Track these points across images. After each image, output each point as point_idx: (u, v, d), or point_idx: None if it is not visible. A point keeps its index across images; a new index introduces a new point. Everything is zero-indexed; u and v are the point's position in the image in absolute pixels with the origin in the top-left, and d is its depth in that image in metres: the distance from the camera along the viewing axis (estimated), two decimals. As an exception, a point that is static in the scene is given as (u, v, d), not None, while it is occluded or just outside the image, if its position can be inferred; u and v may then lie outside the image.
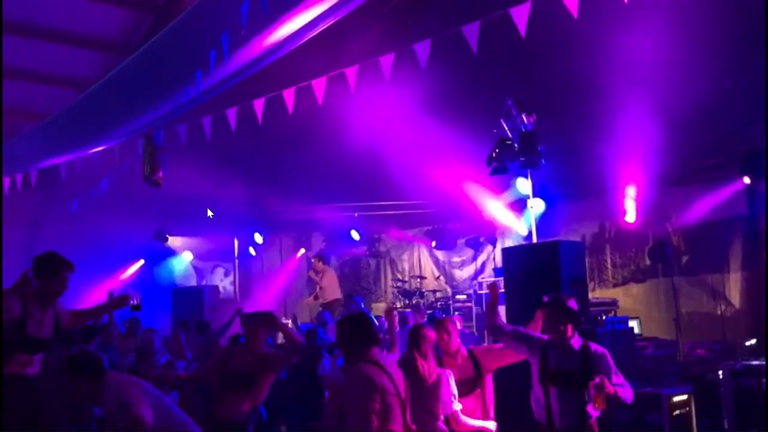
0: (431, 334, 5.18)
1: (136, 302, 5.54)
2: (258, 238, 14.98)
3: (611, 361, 4.78)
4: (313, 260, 13.67)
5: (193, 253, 15.55)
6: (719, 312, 10.12)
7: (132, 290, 5.91)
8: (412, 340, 5.09)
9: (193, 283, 15.42)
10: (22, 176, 9.51)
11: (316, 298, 13.37)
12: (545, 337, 5.03)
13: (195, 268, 15.76)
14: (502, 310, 9.42)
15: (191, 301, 12.82)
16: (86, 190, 10.53)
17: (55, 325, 5.25)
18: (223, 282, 15.88)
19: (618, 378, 4.72)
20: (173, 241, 14.63)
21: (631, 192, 10.56)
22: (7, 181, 9.53)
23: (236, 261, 15.40)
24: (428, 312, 10.93)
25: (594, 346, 4.85)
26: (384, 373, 4.06)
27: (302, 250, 16.62)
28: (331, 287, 13.05)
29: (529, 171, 8.87)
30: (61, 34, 10.62)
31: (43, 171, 9.76)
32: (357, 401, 3.96)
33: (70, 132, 8.59)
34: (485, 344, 7.14)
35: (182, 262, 15.38)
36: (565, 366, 4.80)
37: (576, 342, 4.88)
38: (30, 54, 10.73)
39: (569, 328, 4.85)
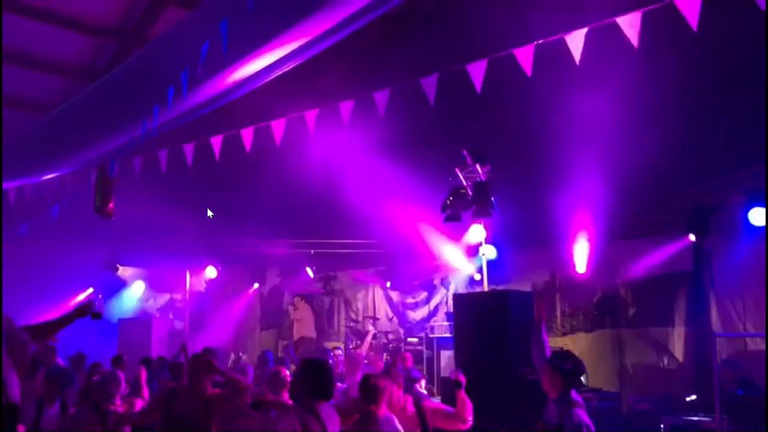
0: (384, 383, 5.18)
1: (100, 310, 4.95)
2: (211, 271, 14.83)
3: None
4: (294, 298, 13.81)
5: (144, 284, 15.31)
6: (662, 365, 10.31)
7: (93, 297, 5.32)
8: (367, 394, 5.06)
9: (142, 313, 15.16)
10: (-30, 199, 9.31)
11: (286, 338, 13.57)
12: None
13: (145, 298, 15.51)
14: (449, 355, 9.47)
15: (139, 332, 12.60)
16: (36, 214, 10.34)
17: None
18: (173, 315, 15.65)
19: None
20: (124, 271, 14.41)
21: (581, 243, 10.78)
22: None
23: (187, 293, 15.20)
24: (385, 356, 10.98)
25: (575, 416, 4.68)
26: (317, 422, 4.10)
27: (256, 285, 16.49)
28: (305, 322, 13.33)
29: (482, 219, 9.00)
30: (24, 56, 10.50)
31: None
32: None
33: (23, 157, 8.47)
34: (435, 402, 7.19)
35: (133, 292, 15.13)
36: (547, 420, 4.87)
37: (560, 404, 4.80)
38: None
39: (558, 388, 4.84)
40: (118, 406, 6.16)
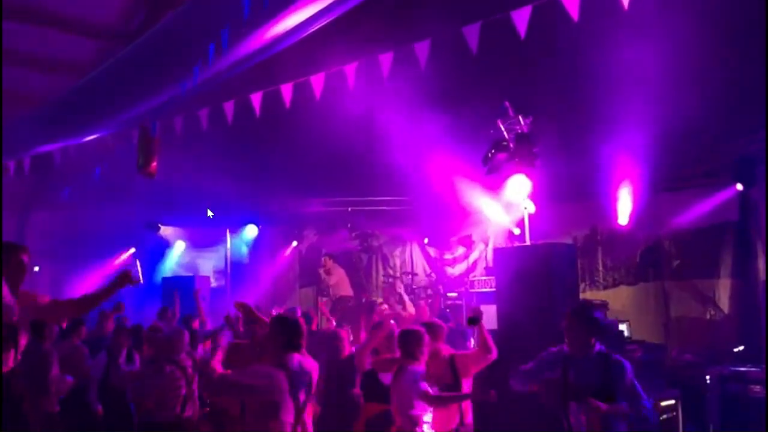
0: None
1: (138, 277, 4.94)
2: (251, 229, 14.97)
3: (629, 375, 4.53)
4: (323, 258, 13.86)
5: (185, 243, 15.53)
6: (708, 317, 10.20)
7: (130, 264, 5.27)
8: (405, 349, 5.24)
9: (184, 273, 15.40)
10: (15, 162, 9.46)
11: (326, 295, 13.61)
12: (558, 349, 4.83)
13: (187, 258, 15.74)
14: (490, 309, 9.47)
15: (182, 291, 12.80)
16: (78, 177, 10.49)
17: None
18: (215, 273, 15.87)
19: (636, 398, 4.47)
20: (165, 231, 14.60)
21: (624, 195, 10.61)
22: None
23: (228, 252, 15.38)
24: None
25: (615, 357, 4.59)
26: (286, 375, 4.45)
27: (294, 243, 16.61)
28: (341, 284, 13.30)
29: (523, 172, 8.88)
30: (58, 18, 10.53)
31: (36, 157, 9.70)
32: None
33: (65, 119, 8.56)
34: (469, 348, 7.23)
35: (174, 251, 15.36)
36: (585, 381, 4.52)
37: (596, 353, 4.61)
38: (26, 38, 10.64)
39: (592, 341, 4.61)
40: (183, 359, 6.33)
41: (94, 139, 8.52)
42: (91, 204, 12.31)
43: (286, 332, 4.64)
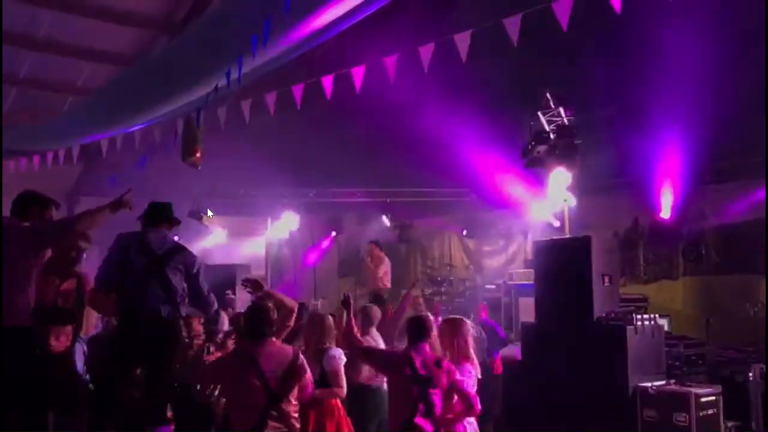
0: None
1: (131, 203, 5.19)
2: (291, 218, 15.12)
3: None
4: (369, 245, 13.09)
5: (226, 232, 15.75)
6: (752, 313, 10.00)
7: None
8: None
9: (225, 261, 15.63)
10: (64, 151, 9.71)
11: (366, 285, 13.09)
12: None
13: (227, 246, 15.96)
14: (528, 302, 9.44)
15: (222, 279, 12.99)
16: (124, 166, 10.72)
17: None
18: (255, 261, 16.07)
19: None
20: (207, 220, 14.83)
21: (666, 188, 10.46)
22: (49, 156, 9.75)
23: (268, 241, 15.57)
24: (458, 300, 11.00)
25: None
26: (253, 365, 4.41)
27: (333, 233, 16.75)
28: (387, 276, 12.66)
29: (564, 164, 8.82)
30: (104, 10, 10.76)
31: (84, 146, 9.96)
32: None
33: (111, 109, 8.75)
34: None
35: (214, 240, 15.59)
36: None
37: None
38: (72, 29, 10.90)
39: None
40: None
41: (139, 129, 8.70)
42: (136, 192, 12.54)
43: (249, 320, 4.69)
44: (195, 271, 5.17)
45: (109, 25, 11.02)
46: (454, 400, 5.04)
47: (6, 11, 9.03)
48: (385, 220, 15.14)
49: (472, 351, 5.41)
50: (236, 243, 16.04)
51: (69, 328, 5.34)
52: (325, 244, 16.71)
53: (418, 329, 5.12)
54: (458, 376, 5.03)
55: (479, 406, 4.99)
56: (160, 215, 5.44)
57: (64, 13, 10.54)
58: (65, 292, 5.59)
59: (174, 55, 7.08)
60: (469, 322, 5.79)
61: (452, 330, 5.46)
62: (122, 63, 10.68)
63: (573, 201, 9.66)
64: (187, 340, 5.87)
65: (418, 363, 4.87)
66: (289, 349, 4.71)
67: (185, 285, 5.07)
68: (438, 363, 4.97)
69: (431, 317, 5.59)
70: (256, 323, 4.62)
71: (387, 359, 5.32)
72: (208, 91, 6.80)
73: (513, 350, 8.46)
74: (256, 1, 5.81)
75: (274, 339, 4.66)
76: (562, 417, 6.83)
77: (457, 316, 5.88)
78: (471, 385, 5.15)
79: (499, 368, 8.14)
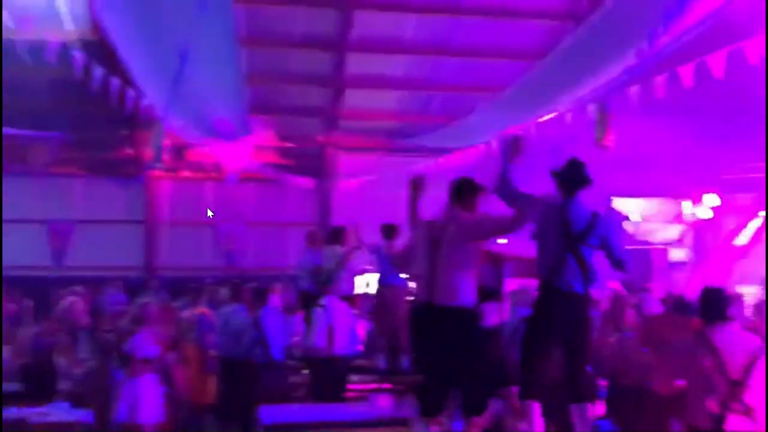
0: None
1: None
2: (711, 199, 14.09)
3: None
4: None
5: (640, 214, 15.30)
6: None
7: None
8: None
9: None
10: (485, 146, 10.40)
11: None
12: None
13: (641, 229, 15.49)
14: None
15: (638, 262, 12.69)
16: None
17: None
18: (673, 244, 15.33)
19: None
20: (621, 203, 14.57)
21: None
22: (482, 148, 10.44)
23: (691, 222, 14.69)
24: None
25: None
26: None
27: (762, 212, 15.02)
28: None
29: None
30: (510, 10, 11.39)
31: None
32: None
33: (523, 102, 9.23)
34: None
35: (628, 224, 15.24)
36: None
37: None
38: (477, 31, 11.74)
39: None
40: None
41: (551, 118, 8.99)
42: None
43: None
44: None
45: (510, 22, 11.62)
46: None
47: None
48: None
49: None
50: (651, 225, 15.46)
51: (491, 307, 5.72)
52: (757, 226, 15.09)
53: None
54: None
55: None
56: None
57: (479, 18, 11.45)
58: None
59: (584, 43, 7.18)
60: None
61: None
62: (529, 58, 11.14)
63: None
64: None
65: None
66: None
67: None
68: None
69: None
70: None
71: None
72: (618, 72, 6.75)
73: None
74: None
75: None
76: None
77: None
78: None
79: None
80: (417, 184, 4.80)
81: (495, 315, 5.77)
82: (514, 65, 11.91)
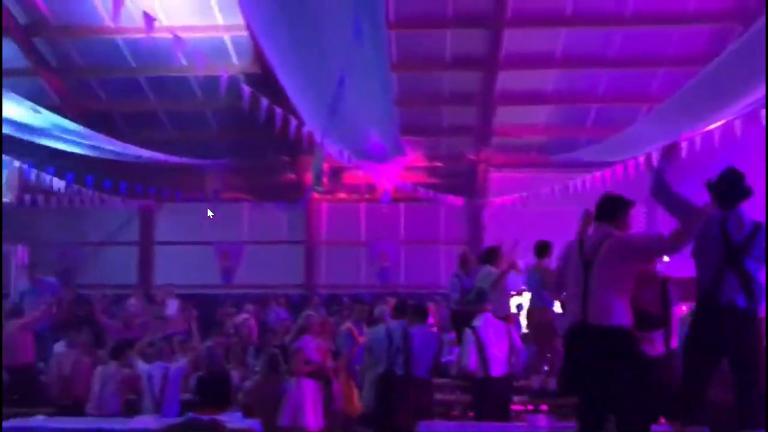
0: None
1: None
2: None
3: None
4: None
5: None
6: None
7: None
8: None
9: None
10: (644, 159, 9.99)
11: None
12: None
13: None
14: None
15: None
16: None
17: None
18: None
19: None
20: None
21: None
22: (631, 164, 10.13)
23: None
24: None
25: None
26: None
27: None
28: None
29: None
30: (665, 16, 10.89)
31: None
32: None
33: (687, 110, 8.77)
34: None
35: None
36: None
37: None
38: (633, 40, 11.29)
39: None
40: None
41: (718, 126, 8.49)
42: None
43: None
44: None
45: (679, 29, 11.09)
46: None
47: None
48: None
49: None
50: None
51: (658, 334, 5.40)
52: None
53: None
54: None
55: None
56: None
57: (636, 29, 11.04)
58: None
59: (748, 47, 6.72)
60: None
61: None
62: (691, 65, 10.58)
63: None
64: None
65: None
66: None
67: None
68: None
69: None
70: None
71: None
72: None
73: None
74: None
75: None
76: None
77: None
78: None
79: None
80: (589, 219, 4.66)
81: (661, 344, 5.43)
82: (675, 73, 11.37)
